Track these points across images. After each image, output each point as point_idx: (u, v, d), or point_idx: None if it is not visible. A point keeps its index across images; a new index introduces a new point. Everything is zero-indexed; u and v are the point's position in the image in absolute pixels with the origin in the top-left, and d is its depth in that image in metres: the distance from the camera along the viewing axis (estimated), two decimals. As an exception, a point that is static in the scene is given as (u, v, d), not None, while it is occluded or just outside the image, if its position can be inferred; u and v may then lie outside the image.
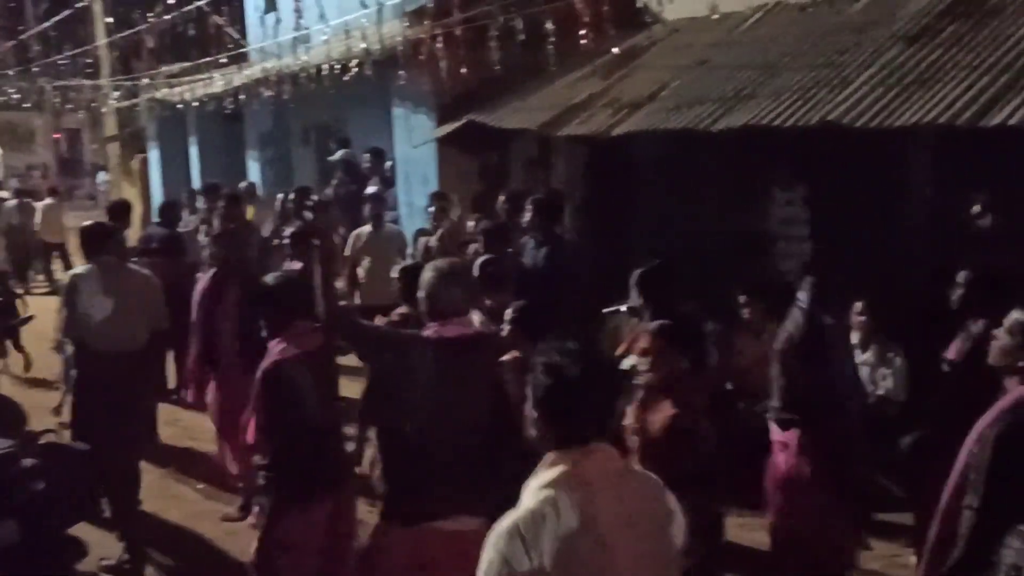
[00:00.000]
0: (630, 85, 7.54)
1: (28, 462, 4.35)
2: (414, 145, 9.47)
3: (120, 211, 7.89)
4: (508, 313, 4.52)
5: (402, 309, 4.77)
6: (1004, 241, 5.39)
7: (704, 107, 6.38)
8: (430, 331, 3.32)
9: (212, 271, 5.91)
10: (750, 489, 4.65)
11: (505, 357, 4.28)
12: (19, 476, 4.24)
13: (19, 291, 9.74)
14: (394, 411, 3.32)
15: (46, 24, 13.23)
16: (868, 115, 5.37)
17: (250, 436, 4.08)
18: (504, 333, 4.44)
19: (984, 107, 4.88)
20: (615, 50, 7.83)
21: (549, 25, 7.62)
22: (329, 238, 3.44)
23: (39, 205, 14.66)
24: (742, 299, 5.69)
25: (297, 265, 6.51)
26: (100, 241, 5.46)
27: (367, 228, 8.13)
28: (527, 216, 6.21)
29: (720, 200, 7.40)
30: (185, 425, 7.33)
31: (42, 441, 4.61)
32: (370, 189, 9.59)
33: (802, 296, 4.27)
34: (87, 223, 5.93)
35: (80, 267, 5.57)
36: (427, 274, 3.40)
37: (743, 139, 6.23)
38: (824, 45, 6.52)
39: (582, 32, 7.56)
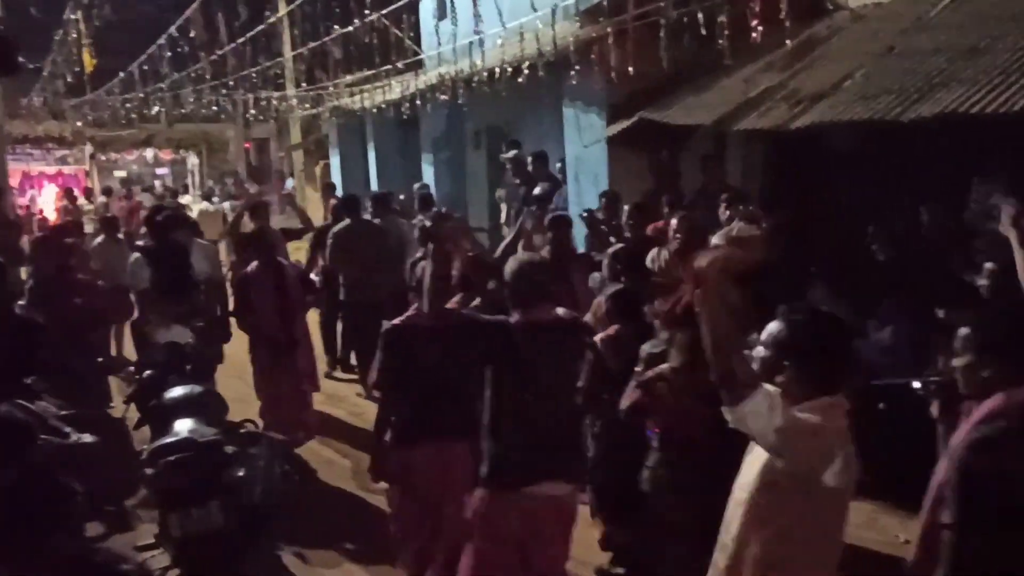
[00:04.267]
0: (811, 76, 7.23)
1: (230, 449, 4.67)
2: (585, 145, 9.47)
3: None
4: (603, 296, 5.06)
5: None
6: None
7: (893, 96, 6.02)
8: (515, 317, 3.77)
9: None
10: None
11: (602, 335, 4.77)
12: (222, 463, 4.55)
13: None
14: (495, 385, 3.79)
15: (240, 40, 14.11)
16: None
17: None
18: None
19: None
20: (789, 42, 7.54)
21: (723, 19, 7.44)
22: (440, 240, 4.14)
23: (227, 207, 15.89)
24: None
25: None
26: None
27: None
28: (723, 214, 6.18)
29: (911, 193, 6.99)
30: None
31: (243, 431, 4.94)
32: (537, 190, 9.66)
33: None
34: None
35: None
36: (510, 266, 3.85)
37: (938, 129, 5.86)
38: (1030, 25, 6.04)
39: (758, 24, 7.33)
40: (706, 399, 2.46)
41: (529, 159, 10.18)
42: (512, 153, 10.81)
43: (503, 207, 11.10)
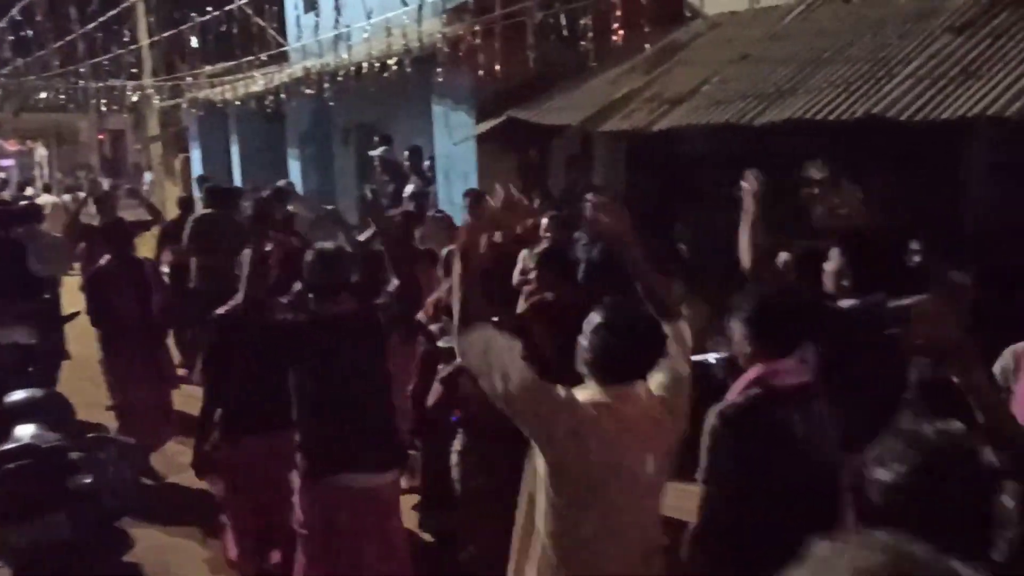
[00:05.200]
0: (671, 80, 7.48)
1: (76, 455, 4.44)
2: (454, 142, 9.48)
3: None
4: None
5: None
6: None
7: (746, 102, 6.31)
8: (310, 309, 3.79)
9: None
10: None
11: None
12: (67, 469, 4.32)
13: None
14: (294, 379, 3.78)
15: (91, 25, 13.43)
16: (913, 108, 5.28)
17: None
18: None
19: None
20: (648, 47, 7.77)
21: (588, 21, 7.60)
22: (258, 232, 4.00)
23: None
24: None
25: None
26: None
27: None
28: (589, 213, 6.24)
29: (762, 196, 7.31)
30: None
31: (90, 435, 4.70)
32: (409, 187, 9.62)
33: None
34: None
35: None
36: (308, 257, 3.82)
37: (787, 134, 6.16)
38: (869, 38, 6.43)
39: (622, 28, 7.53)
40: None
41: (407, 153, 10.11)
42: (381, 149, 10.71)
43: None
